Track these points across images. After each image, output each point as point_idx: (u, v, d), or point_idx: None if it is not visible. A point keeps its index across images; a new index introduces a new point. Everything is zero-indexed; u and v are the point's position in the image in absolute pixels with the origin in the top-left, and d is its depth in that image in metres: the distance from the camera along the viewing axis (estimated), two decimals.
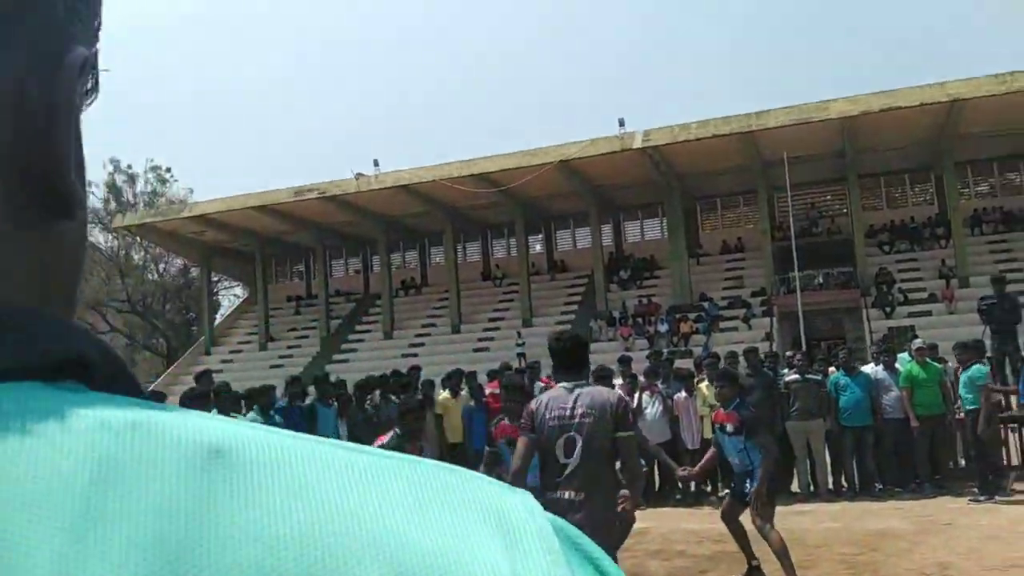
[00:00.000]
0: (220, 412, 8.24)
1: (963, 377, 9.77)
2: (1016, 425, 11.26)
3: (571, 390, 4.03)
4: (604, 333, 31.13)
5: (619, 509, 4.11)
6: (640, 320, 31.02)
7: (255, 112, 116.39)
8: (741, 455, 6.21)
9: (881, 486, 10.22)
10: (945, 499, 9.60)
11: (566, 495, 3.84)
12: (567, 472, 3.89)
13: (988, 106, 25.39)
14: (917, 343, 10.74)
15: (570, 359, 4.16)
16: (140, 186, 46.55)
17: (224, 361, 37.09)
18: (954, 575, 6.31)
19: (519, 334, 31.13)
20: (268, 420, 8.69)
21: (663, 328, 29.90)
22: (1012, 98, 24.77)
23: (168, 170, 52.47)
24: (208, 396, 8.27)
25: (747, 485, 6.20)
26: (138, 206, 44.43)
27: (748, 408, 6.38)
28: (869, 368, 10.66)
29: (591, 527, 3.48)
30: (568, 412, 3.93)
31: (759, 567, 6.52)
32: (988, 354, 12.29)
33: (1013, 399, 11.56)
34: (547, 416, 3.99)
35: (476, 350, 31.06)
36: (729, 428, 6.33)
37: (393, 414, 10.16)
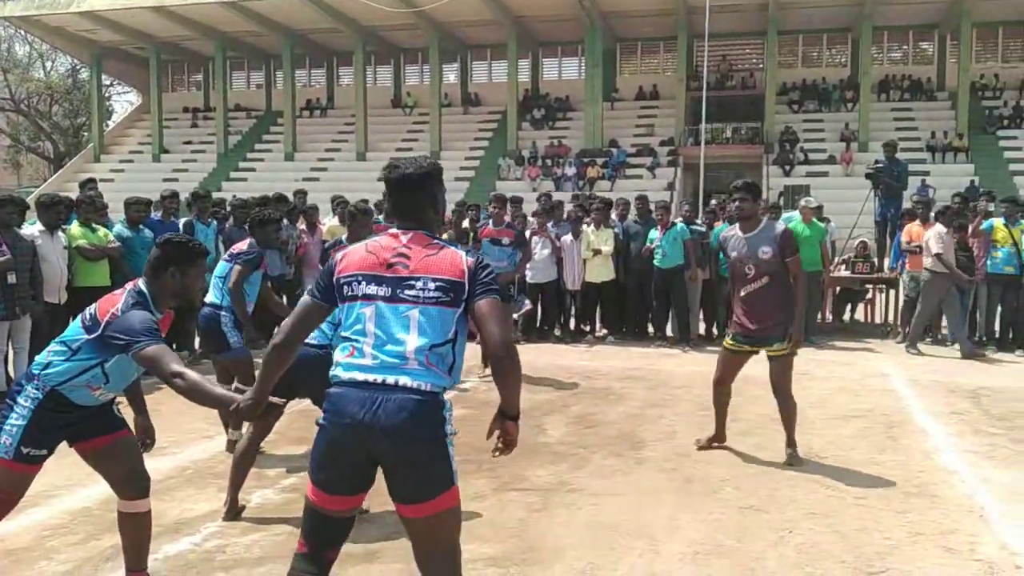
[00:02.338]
0: (81, 223, 7.82)
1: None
2: (884, 286, 11.81)
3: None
4: (512, 172, 30.91)
5: None
6: (549, 162, 30.86)
7: None
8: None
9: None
10: (808, 351, 10.05)
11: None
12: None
13: None
14: (804, 202, 10.93)
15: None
16: None
17: (114, 170, 35.40)
18: (800, 422, 6.64)
19: None
20: (138, 234, 8.31)
21: (570, 171, 29.86)
22: None
23: None
24: (69, 204, 7.78)
25: None
26: None
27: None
28: None
29: None
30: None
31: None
32: (876, 218, 12.74)
33: (885, 261, 12.08)
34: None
35: (381, 179, 30.40)
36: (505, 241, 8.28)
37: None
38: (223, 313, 5.60)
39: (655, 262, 10.06)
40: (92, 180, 9.67)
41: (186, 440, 5.99)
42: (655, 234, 10.10)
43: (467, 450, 5.13)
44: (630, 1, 29.13)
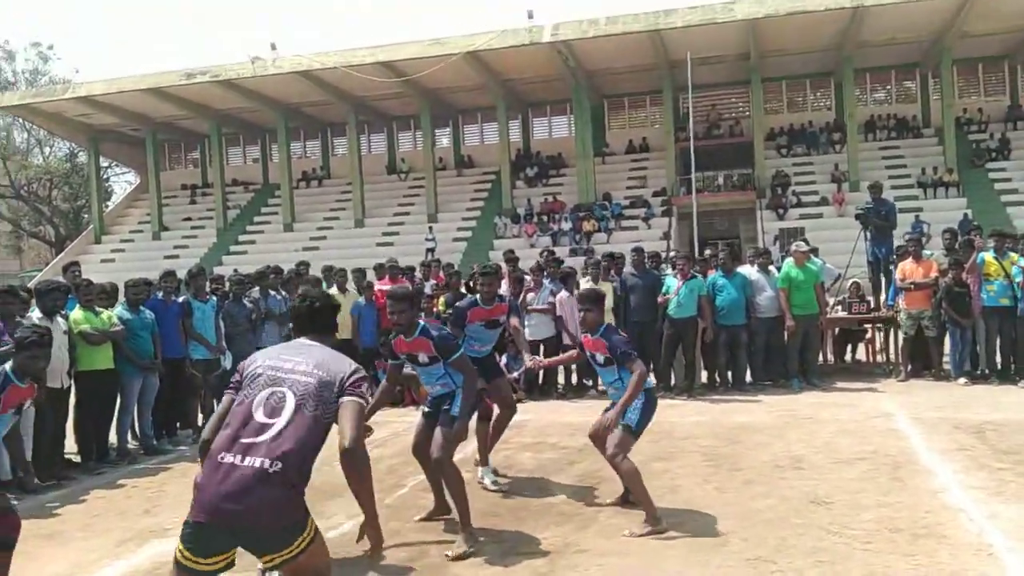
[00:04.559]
0: (83, 307, 7.90)
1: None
2: (882, 325, 11.85)
3: (309, 346, 3.37)
4: (509, 230, 31.20)
5: None
6: (544, 218, 31.15)
7: None
8: (616, 384, 5.53)
9: (751, 381, 10.66)
10: (812, 394, 10.09)
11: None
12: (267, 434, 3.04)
13: (890, 13, 25.77)
14: (795, 246, 11.05)
15: (312, 324, 3.48)
16: (20, 64, 43.42)
17: (115, 250, 35.80)
18: (804, 467, 6.65)
19: (430, 229, 30.96)
20: (138, 316, 8.39)
21: (567, 226, 30.13)
22: (912, 6, 25.16)
23: (50, 47, 48.88)
24: (67, 290, 7.86)
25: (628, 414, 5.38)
26: (18, 85, 41.52)
27: (616, 333, 5.60)
28: (746, 269, 10.94)
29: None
30: (287, 364, 3.21)
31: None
32: (868, 258, 12.84)
33: (882, 298, 12.14)
34: (260, 361, 3.27)
35: (380, 244, 30.71)
36: (599, 358, 5.55)
37: (271, 308, 10.00)
38: None
39: (670, 311, 10.15)
40: (75, 264, 9.75)
41: None
42: (673, 283, 10.20)
43: (473, 515, 5.14)
44: (613, 59, 29.72)
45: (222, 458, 2.93)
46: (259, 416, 3.02)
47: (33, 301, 7.63)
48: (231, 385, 3.29)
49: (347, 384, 3.12)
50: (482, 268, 6.93)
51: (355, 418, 3.04)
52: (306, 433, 3.00)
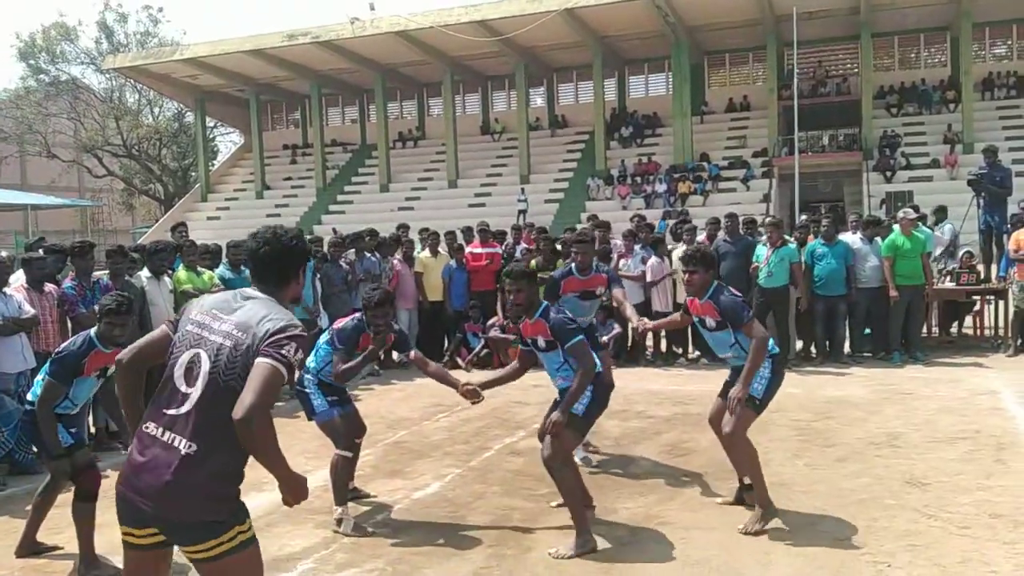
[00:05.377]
0: (186, 267, 8.22)
1: None
2: (992, 297, 11.28)
3: (246, 297, 2.78)
4: (602, 192, 30.91)
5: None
6: (638, 179, 30.71)
7: None
8: (735, 349, 4.98)
9: (850, 353, 10.32)
10: (914, 368, 9.72)
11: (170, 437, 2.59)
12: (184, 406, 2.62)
13: None
14: (902, 213, 10.58)
15: (266, 271, 2.82)
16: (132, 26, 45.01)
17: (220, 208, 37.10)
18: (901, 445, 6.42)
19: (522, 190, 30.93)
20: (238, 274, 8.69)
21: (661, 188, 29.64)
22: None
23: (160, 10, 50.46)
24: (174, 250, 8.21)
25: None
26: (130, 47, 43.12)
27: (728, 293, 4.98)
28: (849, 237, 10.54)
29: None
30: (215, 323, 2.71)
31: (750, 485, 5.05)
32: (980, 226, 12.23)
33: (993, 269, 11.55)
34: (192, 315, 2.78)
35: (472, 205, 30.90)
36: (710, 322, 5.02)
37: (367, 270, 10.22)
38: (307, 376, 5.25)
39: (759, 281, 9.89)
40: (183, 224, 10.17)
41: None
42: (763, 252, 9.93)
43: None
44: (716, 13, 28.84)
45: (146, 427, 2.64)
46: (179, 383, 2.63)
47: (142, 261, 7.98)
48: (171, 320, 2.90)
49: (263, 344, 2.56)
50: (576, 235, 6.43)
51: (258, 382, 2.47)
52: (223, 408, 2.48)
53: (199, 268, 8.32)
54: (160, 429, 2.60)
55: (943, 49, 32.11)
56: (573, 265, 6.21)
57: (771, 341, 4.95)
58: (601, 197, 30.53)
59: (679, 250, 10.43)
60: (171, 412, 2.60)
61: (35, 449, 5.31)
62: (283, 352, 2.55)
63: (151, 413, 2.66)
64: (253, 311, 2.68)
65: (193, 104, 38.68)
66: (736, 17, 29.08)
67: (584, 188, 31.33)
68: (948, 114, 29.74)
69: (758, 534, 4.66)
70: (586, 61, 32.71)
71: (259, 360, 2.53)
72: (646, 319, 6.03)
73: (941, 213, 12.22)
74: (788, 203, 26.71)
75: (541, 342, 4.82)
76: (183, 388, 2.62)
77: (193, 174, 43.85)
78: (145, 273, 7.73)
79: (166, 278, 7.87)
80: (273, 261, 2.81)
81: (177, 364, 2.67)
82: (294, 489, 2.67)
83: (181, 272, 8.17)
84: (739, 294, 5.11)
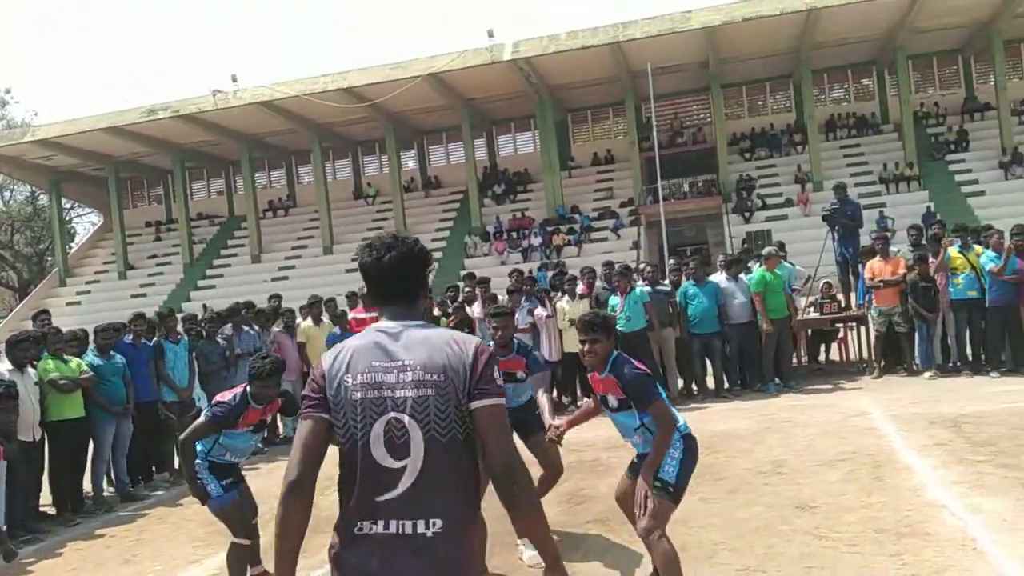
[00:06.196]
0: (52, 355, 7.77)
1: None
2: (854, 324, 11.96)
3: (396, 335, 2.26)
4: (479, 248, 31.21)
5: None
6: (514, 234, 31.22)
7: (104, 27, 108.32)
8: (641, 434, 4.23)
9: (727, 388, 10.71)
10: (789, 396, 10.14)
11: (397, 527, 2.17)
12: (400, 485, 2.18)
13: (843, 14, 26.23)
14: (767, 251, 11.13)
15: (397, 283, 2.34)
16: None
17: (81, 292, 35.34)
18: (786, 472, 6.67)
19: None
20: (109, 361, 8.27)
21: (536, 241, 30.22)
22: (865, 5, 25.62)
23: (8, 91, 48.29)
24: (38, 339, 7.73)
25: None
26: None
27: (631, 365, 4.17)
28: (717, 277, 11.01)
29: None
30: (390, 377, 2.21)
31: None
32: (837, 258, 12.97)
33: (852, 297, 12.26)
34: (350, 382, 2.23)
35: (350, 271, 30.52)
36: (612, 401, 4.23)
37: (246, 345, 9.90)
38: (197, 461, 4.88)
39: (619, 327, 10.11)
40: (45, 312, 9.64)
41: (174, 567, 5.88)
42: (615, 301, 10.21)
43: None
44: (576, 72, 29.94)
45: (359, 529, 2.21)
46: (382, 461, 2.19)
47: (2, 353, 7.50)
48: (310, 403, 2.29)
49: (475, 381, 2.20)
50: (495, 308, 5.80)
51: (498, 430, 2.16)
52: (452, 466, 2.18)
53: (65, 356, 7.87)
54: (382, 523, 2.17)
55: (788, 95, 34.37)
56: (491, 342, 5.42)
57: (681, 420, 4.28)
58: (479, 253, 30.83)
59: (563, 300, 10.66)
60: (387, 497, 2.17)
61: None
62: (494, 385, 2.22)
63: (355, 511, 2.22)
64: (428, 344, 2.24)
65: (47, 186, 36.92)
66: (595, 75, 30.27)
67: (462, 246, 31.57)
68: (797, 155, 31.72)
69: None
70: (455, 123, 33.25)
71: (480, 405, 2.18)
72: (560, 418, 5.18)
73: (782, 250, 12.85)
74: (657, 248, 27.65)
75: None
76: (390, 464, 2.17)
77: (49, 259, 41.66)
78: (6, 366, 7.25)
79: (29, 370, 7.39)
80: (402, 268, 2.33)
81: (369, 442, 2.19)
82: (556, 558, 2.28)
83: (48, 361, 7.71)
84: (642, 367, 4.25)
